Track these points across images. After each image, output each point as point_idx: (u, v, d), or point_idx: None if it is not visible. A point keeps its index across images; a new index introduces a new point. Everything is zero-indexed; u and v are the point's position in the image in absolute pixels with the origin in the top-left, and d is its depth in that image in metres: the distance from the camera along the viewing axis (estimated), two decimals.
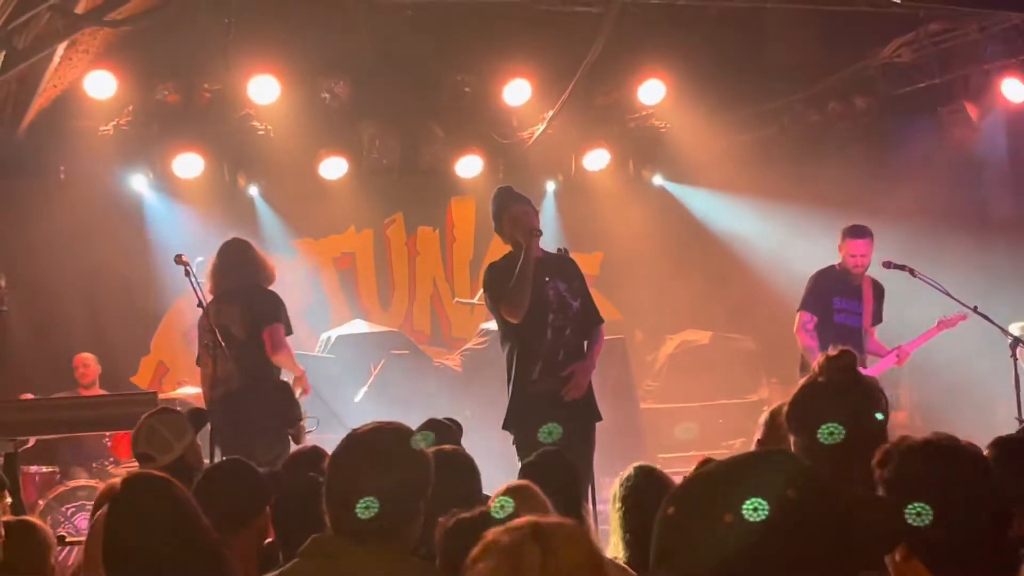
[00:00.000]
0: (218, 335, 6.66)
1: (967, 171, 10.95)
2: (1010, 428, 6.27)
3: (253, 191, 10.79)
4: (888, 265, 7.95)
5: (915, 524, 2.11)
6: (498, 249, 6.72)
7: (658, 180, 11.76)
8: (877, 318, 8.11)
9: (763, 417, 4.05)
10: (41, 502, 8.02)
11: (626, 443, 8.97)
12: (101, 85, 9.11)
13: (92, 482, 8.32)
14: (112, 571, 3.09)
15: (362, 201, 10.98)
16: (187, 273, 6.76)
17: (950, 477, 2.24)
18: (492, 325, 7.56)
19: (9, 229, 10.04)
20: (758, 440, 4.03)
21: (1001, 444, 3.26)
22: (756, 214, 11.18)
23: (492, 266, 6.52)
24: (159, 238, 10.31)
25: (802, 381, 3.06)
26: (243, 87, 9.43)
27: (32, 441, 7.82)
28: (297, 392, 7.01)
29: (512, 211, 6.43)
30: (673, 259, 11.45)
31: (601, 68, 9.63)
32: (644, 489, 3.69)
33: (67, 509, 8.10)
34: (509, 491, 3.63)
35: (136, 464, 5.13)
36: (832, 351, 3.03)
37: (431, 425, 4.54)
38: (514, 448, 6.24)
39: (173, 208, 10.51)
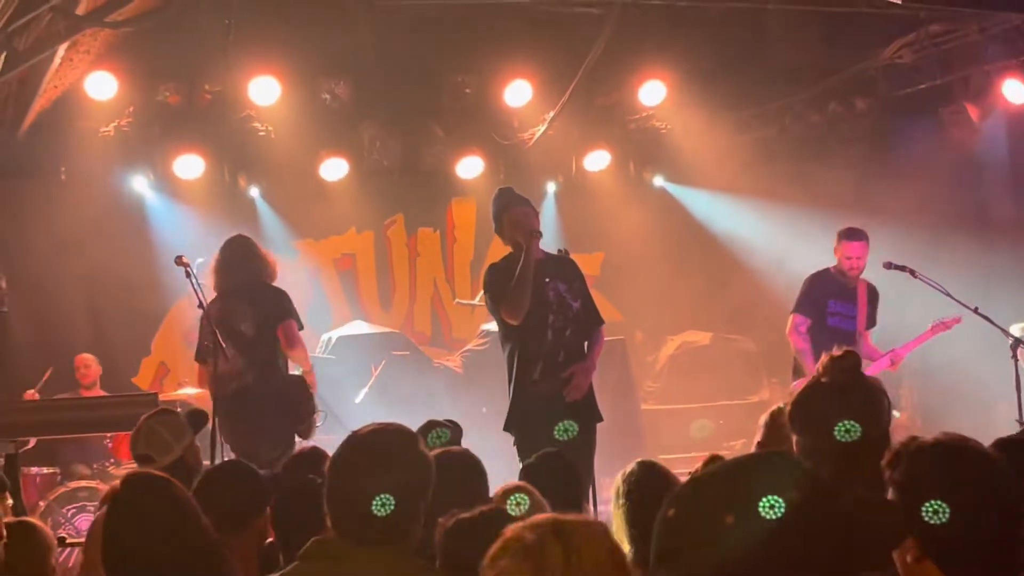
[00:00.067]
0: (219, 335, 6.66)
1: (968, 172, 10.95)
2: (1010, 429, 6.28)
3: (254, 192, 10.79)
4: (889, 266, 7.94)
5: (931, 523, 2.11)
6: (499, 250, 6.72)
7: (659, 181, 11.76)
8: (871, 322, 8.09)
9: (763, 419, 4.05)
10: (42, 503, 8.02)
11: (627, 444, 8.97)
12: (102, 86, 9.11)
13: (93, 483, 8.32)
14: (111, 571, 3.09)
15: (363, 202, 10.98)
16: (188, 274, 6.76)
17: (962, 478, 2.23)
18: (493, 326, 7.55)
19: (10, 230, 10.05)
20: (758, 442, 4.03)
21: (1003, 445, 3.25)
22: (757, 215, 11.18)
23: (492, 267, 6.52)
24: (160, 239, 10.31)
25: (806, 381, 3.06)
26: (244, 88, 9.43)
27: (33, 442, 7.83)
28: None
29: (512, 212, 6.43)
30: (674, 260, 11.45)
31: (602, 69, 9.62)
32: (648, 483, 3.69)
33: (68, 510, 8.10)
34: (506, 492, 3.64)
35: (136, 465, 5.12)
36: (836, 351, 3.04)
37: (430, 427, 4.54)
38: (515, 449, 6.24)
39: (174, 209, 10.51)
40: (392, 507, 2.78)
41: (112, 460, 8.75)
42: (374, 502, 2.76)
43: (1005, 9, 8.76)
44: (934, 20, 9.26)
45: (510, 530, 2.08)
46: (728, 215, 11.48)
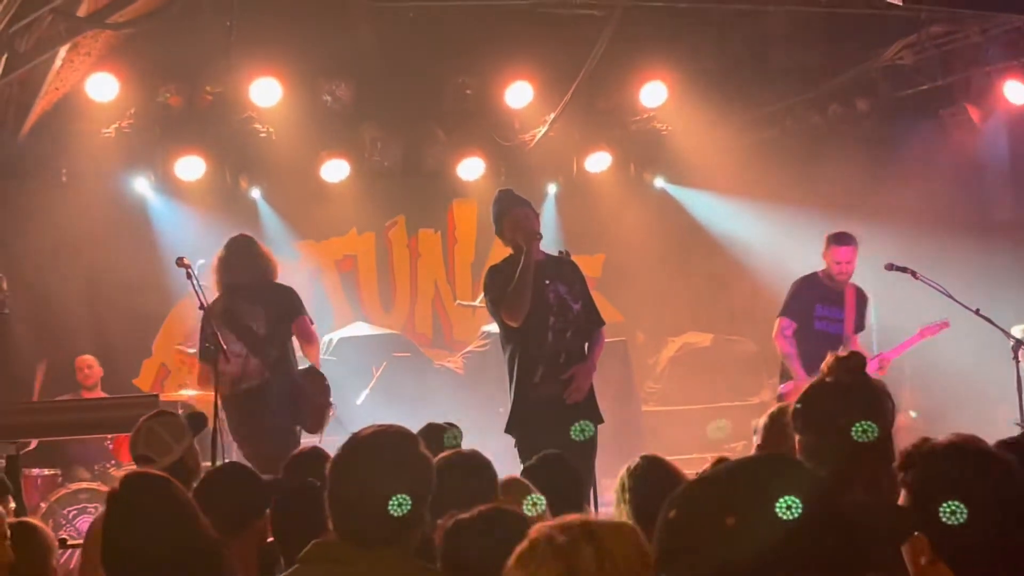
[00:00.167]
0: (223, 334, 6.67)
1: (969, 173, 10.94)
2: (1011, 431, 6.27)
3: (255, 193, 10.80)
4: (890, 267, 7.94)
5: (948, 524, 2.10)
6: (500, 252, 6.73)
7: (659, 182, 11.76)
8: (859, 326, 8.07)
9: (761, 421, 4.04)
10: (43, 505, 8.02)
11: (627, 445, 8.96)
12: (103, 88, 9.11)
13: (94, 485, 8.33)
14: (110, 571, 3.08)
15: (364, 203, 10.98)
16: (189, 275, 6.76)
17: (976, 479, 2.22)
18: (494, 327, 7.56)
19: (11, 231, 10.05)
20: (758, 446, 4.03)
21: (1006, 448, 3.25)
22: (757, 216, 11.18)
23: (492, 269, 6.52)
24: (161, 241, 10.31)
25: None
26: (245, 89, 9.43)
27: (34, 443, 7.82)
28: None
29: (513, 214, 6.43)
30: (674, 261, 11.45)
31: (603, 70, 9.63)
32: (653, 478, 3.69)
33: (69, 512, 8.10)
34: (504, 486, 3.65)
35: (136, 466, 5.12)
36: (842, 352, 3.05)
37: (430, 429, 4.54)
38: (516, 451, 6.24)
39: (175, 210, 10.51)
40: (408, 507, 2.78)
41: (113, 462, 8.75)
42: (390, 503, 2.76)
43: (1006, 10, 8.75)
44: (935, 21, 9.25)
45: (536, 531, 2.06)
46: (729, 216, 11.48)
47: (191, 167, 10.16)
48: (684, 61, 9.95)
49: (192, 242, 9.15)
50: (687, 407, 10.61)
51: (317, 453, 4.64)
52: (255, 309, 6.96)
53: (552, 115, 10.33)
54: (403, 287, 11.58)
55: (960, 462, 2.26)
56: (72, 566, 6.67)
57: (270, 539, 3.96)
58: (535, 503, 3.16)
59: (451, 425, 4.80)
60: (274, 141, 10.18)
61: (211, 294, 6.98)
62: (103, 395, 9.24)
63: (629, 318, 11.30)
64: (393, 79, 10.16)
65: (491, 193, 6.88)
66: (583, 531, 2.03)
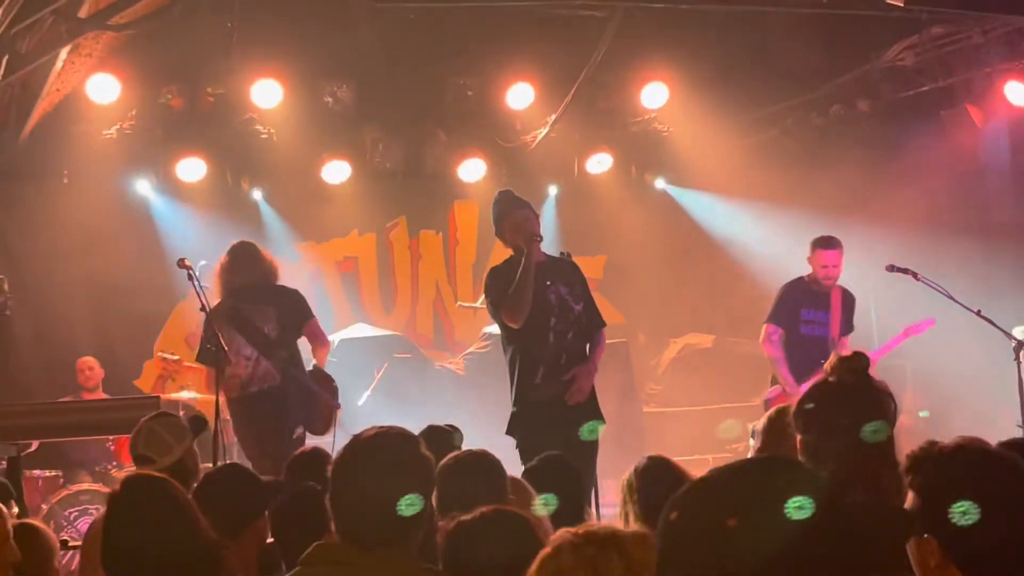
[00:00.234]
0: (228, 336, 6.67)
1: (970, 175, 10.93)
2: (1012, 433, 6.27)
3: (257, 195, 10.79)
4: (892, 269, 7.94)
5: (959, 526, 2.09)
6: (500, 253, 6.72)
7: (660, 184, 11.75)
8: (847, 328, 8.06)
9: (760, 424, 4.04)
10: (44, 506, 8.02)
11: (629, 447, 8.96)
12: (104, 89, 9.12)
13: (95, 486, 8.33)
14: (110, 571, 3.08)
15: (365, 205, 10.98)
16: (190, 277, 6.76)
17: (987, 482, 2.21)
18: (495, 329, 7.56)
19: (12, 233, 10.05)
20: (757, 449, 4.02)
21: (1008, 448, 3.24)
22: (759, 217, 11.17)
23: (493, 271, 6.52)
24: (162, 242, 10.31)
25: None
26: (246, 91, 9.43)
27: (35, 445, 7.82)
28: None
29: (513, 216, 6.43)
30: (676, 262, 11.44)
31: (604, 71, 9.63)
32: (661, 478, 3.69)
33: (70, 513, 8.10)
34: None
35: (135, 466, 5.12)
36: (845, 352, 3.05)
37: (431, 430, 4.54)
38: (517, 452, 6.24)
39: (176, 212, 10.51)
40: (421, 507, 2.78)
41: (115, 463, 8.74)
42: (398, 504, 2.75)
43: (1007, 12, 8.75)
44: (936, 22, 9.25)
45: (558, 538, 2.04)
46: (730, 217, 11.47)
47: (192, 168, 10.16)
48: (685, 62, 9.94)
49: (193, 243, 9.16)
50: (688, 408, 10.60)
51: (318, 454, 4.64)
52: (266, 310, 6.98)
53: (553, 116, 10.32)
54: (404, 288, 11.58)
55: (970, 464, 2.26)
56: (73, 567, 6.66)
57: (270, 540, 3.96)
58: (547, 503, 3.16)
59: (452, 427, 4.80)
60: (275, 142, 10.17)
61: (212, 298, 6.99)
62: (104, 397, 9.24)
63: (630, 319, 11.29)
64: (394, 80, 10.16)
65: (492, 194, 6.88)
66: (612, 542, 2.01)
